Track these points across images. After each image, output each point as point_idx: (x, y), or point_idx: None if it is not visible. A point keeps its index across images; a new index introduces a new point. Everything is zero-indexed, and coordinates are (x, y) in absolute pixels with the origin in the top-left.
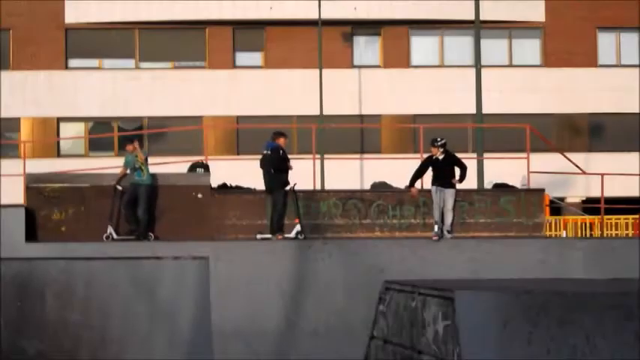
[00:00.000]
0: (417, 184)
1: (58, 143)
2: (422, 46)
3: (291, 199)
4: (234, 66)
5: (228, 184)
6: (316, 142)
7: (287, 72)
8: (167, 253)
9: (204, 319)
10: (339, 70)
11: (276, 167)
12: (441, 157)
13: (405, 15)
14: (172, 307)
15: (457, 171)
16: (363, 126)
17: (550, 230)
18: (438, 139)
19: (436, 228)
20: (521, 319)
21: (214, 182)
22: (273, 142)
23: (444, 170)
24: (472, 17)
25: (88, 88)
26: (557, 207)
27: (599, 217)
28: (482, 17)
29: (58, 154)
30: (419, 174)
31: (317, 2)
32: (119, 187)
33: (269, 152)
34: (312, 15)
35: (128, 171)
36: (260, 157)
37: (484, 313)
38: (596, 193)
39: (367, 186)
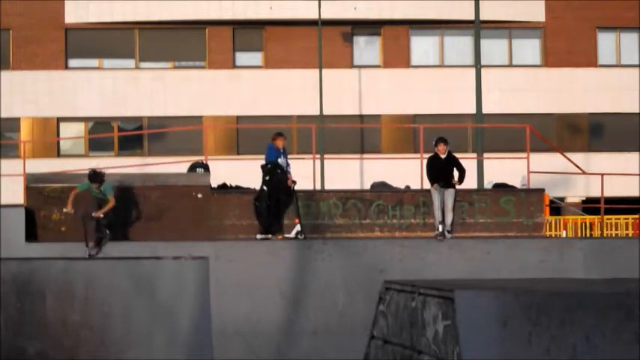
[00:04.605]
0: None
1: (58, 143)
2: (422, 46)
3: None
4: (234, 66)
5: (228, 184)
6: (316, 142)
7: (287, 72)
8: (167, 253)
9: (204, 319)
10: (339, 70)
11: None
12: (443, 156)
13: (405, 15)
14: (172, 307)
15: (455, 173)
16: (363, 126)
17: (550, 230)
18: (445, 138)
19: (440, 228)
20: (522, 318)
21: (214, 182)
22: (272, 148)
23: (447, 170)
24: (472, 17)
25: (88, 88)
26: (557, 207)
27: (599, 217)
28: (482, 17)
29: (58, 154)
30: (435, 171)
31: (317, 2)
32: (70, 211)
33: (280, 170)
34: (312, 15)
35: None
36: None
37: (484, 313)
38: (596, 193)
39: (367, 186)
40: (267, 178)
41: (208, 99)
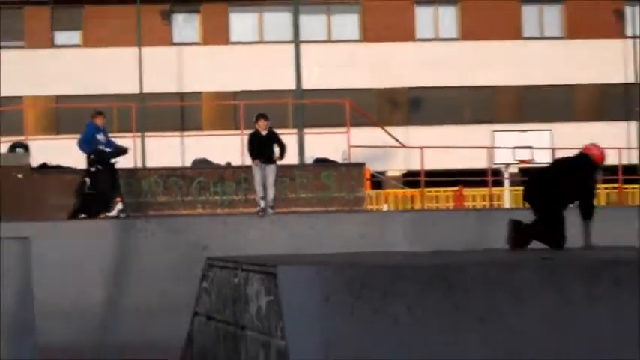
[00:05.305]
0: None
1: None
2: (241, 23)
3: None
4: (53, 45)
5: (49, 164)
6: (136, 121)
7: (106, 50)
8: None
9: (26, 300)
10: (159, 48)
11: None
12: (264, 132)
13: None
14: None
15: (276, 149)
16: (183, 103)
17: (371, 204)
18: (265, 115)
19: (262, 204)
20: (344, 292)
21: (34, 162)
22: (92, 125)
23: (268, 146)
24: None
25: None
26: (378, 181)
27: (420, 190)
28: None
29: None
30: (255, 147)
31: None
32: None
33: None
34: None
35: None
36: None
37: (307, 288)
38: (416, 166)
39: (188, 163)
40: (93, 169)
41: (28, 79)
